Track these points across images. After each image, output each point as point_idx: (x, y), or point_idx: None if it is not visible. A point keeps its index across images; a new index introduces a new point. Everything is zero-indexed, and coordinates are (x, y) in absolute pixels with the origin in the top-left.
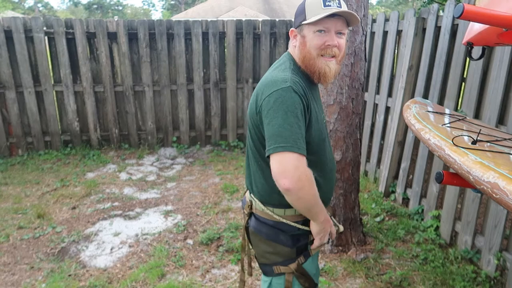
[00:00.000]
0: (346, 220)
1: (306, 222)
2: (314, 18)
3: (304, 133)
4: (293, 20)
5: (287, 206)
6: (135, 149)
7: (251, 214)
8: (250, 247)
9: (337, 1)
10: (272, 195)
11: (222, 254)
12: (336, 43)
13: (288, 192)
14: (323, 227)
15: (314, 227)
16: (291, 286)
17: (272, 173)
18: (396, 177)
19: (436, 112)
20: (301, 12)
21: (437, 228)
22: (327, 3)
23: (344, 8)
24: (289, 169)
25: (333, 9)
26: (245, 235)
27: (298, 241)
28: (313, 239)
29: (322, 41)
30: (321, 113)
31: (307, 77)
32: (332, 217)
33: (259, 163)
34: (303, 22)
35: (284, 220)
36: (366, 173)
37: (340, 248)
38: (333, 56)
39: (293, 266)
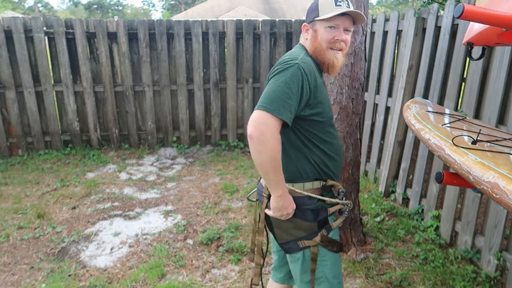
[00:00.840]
0: (346, 220)
1: (324, 194)
2: (326, 15)
3: (294, 105)
4: (293, 20)
5: (305, 179)
6: (135, 149)
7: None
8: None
9: (346, 2)
10: (289, 169)
11: (222, 254)
12: (344, 38)
13: (250, 140)
14: (281, 204)
15: (271, 201)
16: (317, 257)
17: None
18: (396, 177)
19: (436, 112)
20: (314, 9)
21: (437, 228)
22: (338, 3)
23: (352, 8)
24: (259, 121)
25: (344, 8)
26: (264, 219)
27: (318, 215)
28: (332, 213)
29: (332, 35)
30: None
31: (317, 65)
32: (341, 191)
33: None
34: (316, 18)
35: (305, 193)
36: (366, 173)
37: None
38: (340, 50)
39: (317, 238)
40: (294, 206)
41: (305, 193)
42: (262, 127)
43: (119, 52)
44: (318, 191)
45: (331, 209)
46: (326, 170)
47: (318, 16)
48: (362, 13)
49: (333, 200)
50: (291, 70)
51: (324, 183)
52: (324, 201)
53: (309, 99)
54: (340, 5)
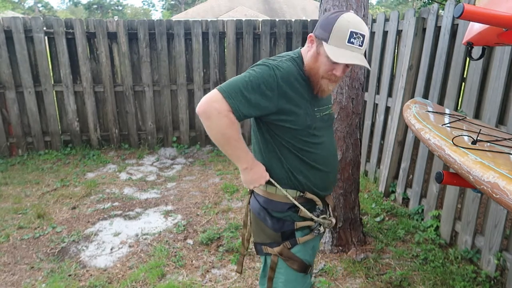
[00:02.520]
0: (346, 220)
1: (304, 205)
2: (333, 53)
3: (251, 100)
4: (293, 20)
5: (284, 186)
6: (135, 149)
7: (252, 191)
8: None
9: (361, 39)
10: (266, 168)
11: (222, 254)
12: (342, 74)
13: (199, 116)
14: (248, 177)
15: (241, 175)
16: (275, 267)
17: None
18: (396, 177)
19: (436, 112)
20: (327, 29)
21: (437, 228)
22: (351, 40)
23: (365, 46)
24: (209, 98)
25: (354, 48)
26: (248, 212)
27: (283, 226)
28: (300, 227)
29: (331, 68)
30: (313, 106)
31: (304, 78)
32: (328, 208)
33: (256, 140)
34: (324, 42)
35: (274, 198)
36: (366, 173)
37: (340, 248)
38: (335, 81)
39: (277, 249)
40: (266, 177)
41: (274, 198)
42: (210, 104)
43: (119, 52)
44: (290, 200)
45: (299, 224)
46: (303, 180)
47: (327, 40)
48: (365, 59)
49: (308, 214)
50: (263, 68)
51: (301, 194)
52: (296, 212)
53: (274, 105)
54: (353, 43)
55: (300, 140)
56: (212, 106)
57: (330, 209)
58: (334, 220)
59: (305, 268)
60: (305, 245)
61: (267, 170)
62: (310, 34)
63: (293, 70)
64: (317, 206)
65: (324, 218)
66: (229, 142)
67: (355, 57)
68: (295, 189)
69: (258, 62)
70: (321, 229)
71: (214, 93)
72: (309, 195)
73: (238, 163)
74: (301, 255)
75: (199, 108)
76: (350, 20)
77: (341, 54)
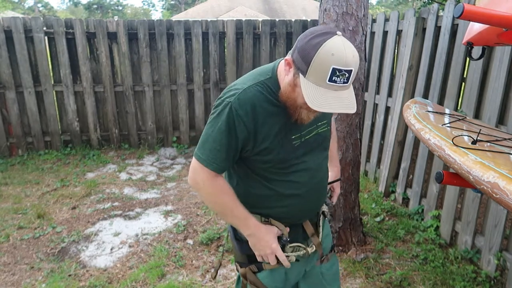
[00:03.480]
0: (346, 220)
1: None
2: (310, 96)
3: (224, 153)
4: (293, 20)
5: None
6: (135, 149)
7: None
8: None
9: (346, 76)
10: None
11: (222, 254)
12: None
13: (192, 188)
14: (254, 243)
15: (248, 240)
16: (245, 287)
17: None
18: (396, 177)
19: (436, 112)
20: (305, 59)
21: (437, 228)
22: (333, 78)
23: (352, 80)
24: (193, 170)
25: (337, 87)
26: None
27: (248, 249)
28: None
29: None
30: (290, 133)
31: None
32: (285, 239)
33: None
34: (300, 75)
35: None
36: (366, 173)
37: (340, 248)
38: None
39: (242, 271)
40: (274, 244)
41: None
42: (195, 176)
43: (119, 52)
44: None
45: None
46: (266, 212)
47: (305, 74)
48: (351, 98)
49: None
50: (225, 112)
51: (266, 220)
52: None
53: (248, 143)
54: (335, 82)
55: (272, 172)
56: (196, 179)
57: (313, 235)
58: (311, 249)
59: None
60: (273, 272)
61: (234, 188)
62: (287, 57)
63: (259, 98)
64: (282, 235)
65: (296, 247)
66: (224, 210)
67: (337, 99)
68: (259, 214)
69: (217, 104)
70: (290, 259)
71: (194, 163)
72: (274, 222)
73: (241, 228)
74: (268, 282)
75: (189, 181)
76: (335, 52)
77: (319, 96)
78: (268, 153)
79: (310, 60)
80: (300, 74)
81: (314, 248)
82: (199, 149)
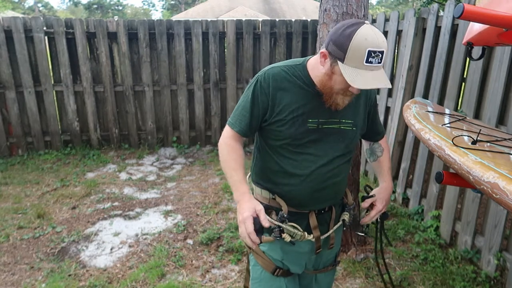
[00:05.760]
0: None
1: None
2: (350, 77)
3: (248, 117)
4: (293, 20)
5: (260, 185)
6: (135, 149)
7: None
8: None
9: (379, 56)
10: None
11: (222, 254)
12: (359, 91)
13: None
14: (237, 207)
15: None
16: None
17: None
18: (396, 177)
19: (436, 112)
20: (341, 47)
21: (437, 228)
22: (370, 59)
23: (384, 59)
24: (222, 134)
25: (373, 67)
26: None
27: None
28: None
29: (347, 87)
30: (309, 115)
31: (308, 85)
32: (281, 214)
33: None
34: (338, 62)
35: (253, 195)
36: (366, 173)
37: (340, 248)
38: (351, 96)
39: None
40: (245, 213)
41: (254, 195)
42: (222, 135)
43: (119, 52)
44: (266, 201)
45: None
46: (276, 182)
47: (343, 60)
48: (385, 76)
49: (267, 217)
50: (253, 85)
51: (273, 197)
52: (269, 213)
53: (266, 112)
54: (371, 62)
55: (283, 148)
56: (222, 136)
57: (315, 228)
58: (308, 236)
59: (272, 268)
60: (271, 244)
61: (254, 164)
62: (322, 50)
63: (281, 76)
64: (281, 212)
65: (291, 226)
66: (227, 169)
67: (374, 77)
68: (268, 191)
69: (252, 79)
70: (284, 236)
71: (226, 128)
72: (278, 199)
73: (232, 189)
74: (268, 253)
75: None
76: (367, 37)
77: (359, 76)
78: (282, 125)
79: (347, 47)
80: (338, 62)
81: (312, 237)
82: (231, 116)
